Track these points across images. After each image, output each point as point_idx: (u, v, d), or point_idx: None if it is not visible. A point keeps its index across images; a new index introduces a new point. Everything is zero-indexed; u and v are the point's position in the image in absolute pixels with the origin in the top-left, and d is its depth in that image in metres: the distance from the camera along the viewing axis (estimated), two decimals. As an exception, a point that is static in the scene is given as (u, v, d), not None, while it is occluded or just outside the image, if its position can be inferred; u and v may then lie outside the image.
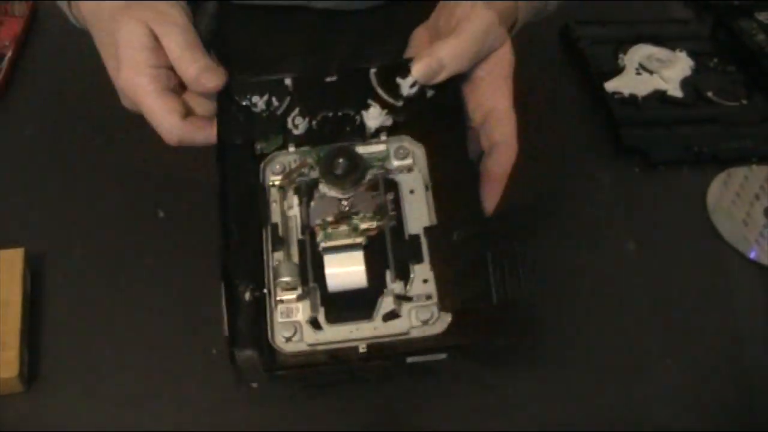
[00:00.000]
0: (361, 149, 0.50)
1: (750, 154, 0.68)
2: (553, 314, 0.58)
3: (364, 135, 0.50)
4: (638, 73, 0.74)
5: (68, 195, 0.63)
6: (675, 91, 0.72)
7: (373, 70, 0.52)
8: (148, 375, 0.53)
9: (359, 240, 0.47)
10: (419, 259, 0.47)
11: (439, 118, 0.51)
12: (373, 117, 0.50)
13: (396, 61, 0.52)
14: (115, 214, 0.62)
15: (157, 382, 0.53)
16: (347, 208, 0.48)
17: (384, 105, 0.51)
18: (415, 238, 0.47)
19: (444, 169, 0.49)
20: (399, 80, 0.51)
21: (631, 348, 0.56)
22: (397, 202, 0.48)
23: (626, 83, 0.73)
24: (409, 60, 0.50)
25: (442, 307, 0.45)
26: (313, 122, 0.51)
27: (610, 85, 0.72)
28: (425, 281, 0.46)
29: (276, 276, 0.46)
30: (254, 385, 0.52)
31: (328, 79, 0.52)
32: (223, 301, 0.46)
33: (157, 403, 0.52)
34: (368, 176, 0.49)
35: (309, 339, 0.45)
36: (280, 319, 0.46)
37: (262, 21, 0.73)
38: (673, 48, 0.76)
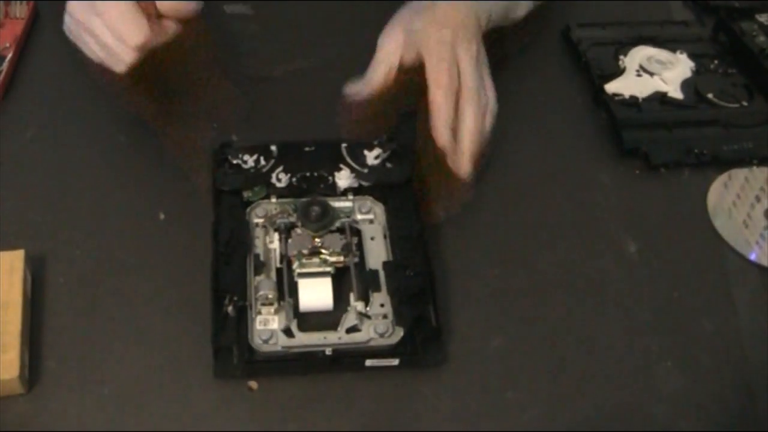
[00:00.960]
0: (332, 202, 0.60)
1: (751, 156, 0.68)
2: (553, 315, 0.58)
3: (335, 192, 0.61)
4: (639, 75, 0.74)
5: (69, 197, 0.63)
6: (676, 92, 0.72)
7: (344, 145, 0.63)
8: (149, 377, 0.53)
9: (328, 269, 0.57)
10: (378, 288, 0.56)
11: (396, 184, 0.62)
12: (343, 178, 0.62)
13: (362, 141, 0.64)
14: (116, 216, 0.62)
15: (157, 383, 0.53)
16: (319, 245, 0.57)
17: (352, 170, 0.62)
18: (375, 271, 0.57)
19: (398, 223, 0.60)
20: (366, 152, 0.63)
21: (632, 350, 0.56)
22: (360, 245, 0.59)
23: (627, 85, 0.73)
24: (374, 140, 0.64)
25: (397, 323, 0.54)
26: (293, 179, 0.62)
27: (611, 87, 0.72)
28: (382, 305, 0.55)
29: (257, 290, 0.54)
30: (254, 386, 0.53)
31: (307, 149, 0.64)
32: (211, 309, 0.54)
33: (157, 405, 0.52)
34: (337, 224, 0.59)
35: (283, 343, 0.53)
36: (258, 327, 0.53)
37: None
38: (673, 50, 0.76)
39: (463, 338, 0.56)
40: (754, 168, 0.68)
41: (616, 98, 0.72)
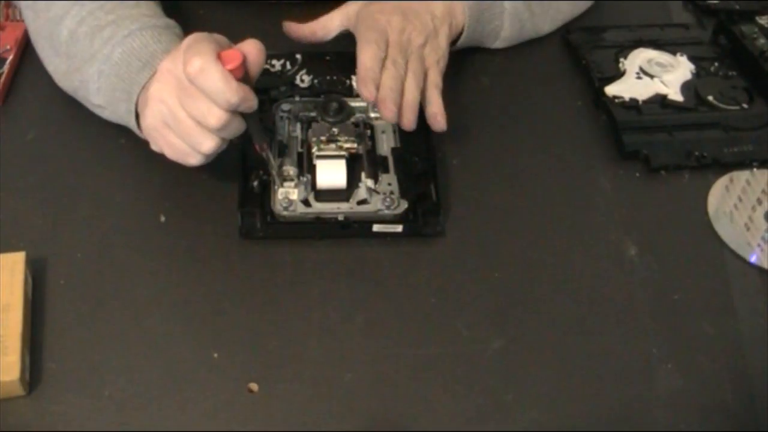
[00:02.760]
0: (349, 101, 0.68)
1: (751, 159, 0.68)
2: (554, 317, 0.58)
3: (351, 93, 0.69)
4: (639, 78, 0.74)
5: (70, 199, 0.63)
6: (676, 95, 0.72)
7: None
8: (149, 378, 0.53)
9: (343, 153, 0.64)
10: (386, 170, 0.64)
11: None
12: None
13: None
14: (117, 218, 0.62)
15: (158, 385, 0.53)
16: (336, 133, 0.65)
17: None
18: (384, 157, 0.65)
19: None
20: None
21: (632, 352, 0.56)
22: (372, 136, 0.66)
23: (627, 88, 0.73)
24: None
25: (402, 196, 0.61)
26: (315, 80, 0.70)
27: (611, 90, 0.72)
28: (389, 184, 0.62)
29: (281, 165, 0.62)
30: (254, 388, 0.53)
31: (327, 57, 0.73)
32: (240, 182, 0.61)
33: (158, 407, 0.52)
34: (352, 119, 0.67)
35: (301, 210, 0.60)
36: (280, 197, 0.61)
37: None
38: (673, 52, 0.76)
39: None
40: (755, 171, 0.68)
41: (617, 101, 0.72)
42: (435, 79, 0.67)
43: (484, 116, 0.72)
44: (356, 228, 0.61)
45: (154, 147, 0.60)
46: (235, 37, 0.57)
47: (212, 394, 0.53)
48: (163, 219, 0.62)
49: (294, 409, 0.52)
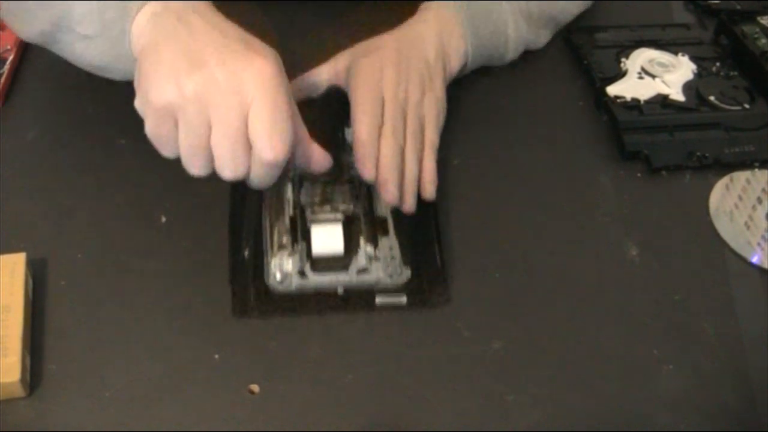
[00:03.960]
0: (342, 155, 0.62)
1: (752, 159, 0.68)
2: (555, 318, 0.58)
3: (344, 147, 0.63)
4: (640, 78, 0.74)
5: (70, 199, 0.63)
6: (677, 95, 0.72)
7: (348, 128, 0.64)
8: (150, 380, 0.53)
9: (339, 216, 0.59)
10: (386, 233, 0.59)
11: None
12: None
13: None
14: (117, 219, 0.62)
15: (159, 386, 0.53)
16: (330, 194, 0.60)
17: None
18: (384, 219, 0.60)
19: None
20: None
21: (633, 353, 0.56)
22: (368, 193, 0.61)
23: (628, 88, 0.73)
24: None
25: (405, 264, 0.57)
26: None
27: (612, 90, 0.72)
28: (390, 248, 0.58)
29: (272, 235, 0.58)
30: (255, 389, 0.53)
31: (315, 107, 0.65)
32: (229, 253, 0.58)
33: (158, 408, 0.52)
34: (346, 176, 0.62)
35: (297, 283, 0.56)
36: (273, 269, 0.57)
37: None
38: (675, 52, 0.76)
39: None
40: (756, 171, 0.68)
41: (618, 101, 0.71)
42: (432, 139, 0.63)
43: (485, 116, 0.72)
44: (357, 301, 0.57)
45: (149, 130, 0.54)
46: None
47: (213, 395, 0.53)
48: (164, 219, 0.62)
49: (295, 410, 0.52)
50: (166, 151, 0.54)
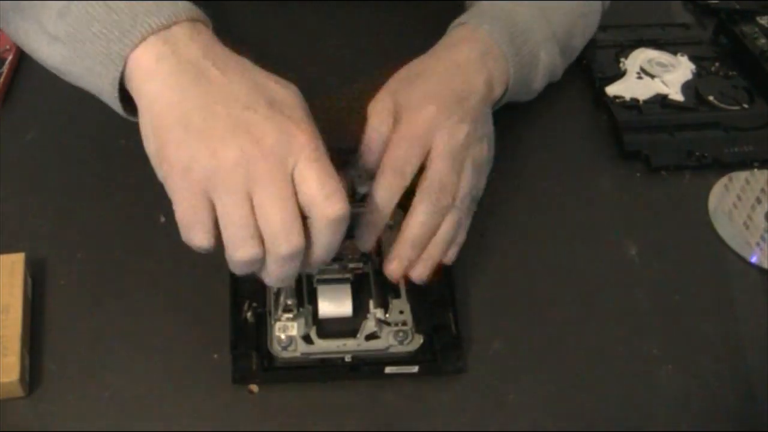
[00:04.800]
0: (352, 210, 0.52)
1: (751, 159, 0.68)
2: (554, 317, 0.58)
3: (353, 199, 0.55)
4: (640, 78, 0.74)
5: (69, 200, 0.63)
6: (676, 95, 0.72)
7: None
8: (149, 379, 0.53)
9: (347, 275, 0.56)
10: (397, 295, 0.55)
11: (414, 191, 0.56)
12: (362, 184, 0.55)
13: None
14: (117, 219, 0.62)
15: (158, 386, 0.53)
16: (339, 252, 0.52)
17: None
18: None
19: None
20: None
21: (632, 353, 0.56)
22: (379, 252, 0.57)
23: (627, 87, 0.73)
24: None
25: (417, 330, 0.54)
26: None
27: (612, 90, 0.72)
28: (401, 312, 0.54)
29: (277, 297, 0.54)
30: (254, 389, 0.53)
31: None
32: (230, 315, 0.54)
33: (158, 408, 0.52)
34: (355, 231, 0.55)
35: (302, 349, 0.53)
36: (277, 333, 0.53)
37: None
38: (674, 52, 0.76)
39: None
40: (755, 170, 0.68)
41: (617, 101, 0.72)
42: (462, 238, 0.57)
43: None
44: (366, 370, 0.53)
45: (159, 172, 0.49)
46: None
47: (213, 395, 0.53)
48: (163, 220, 0.62)
49: (294, 410, 0.52)
50: (199, 239, 0.48)
